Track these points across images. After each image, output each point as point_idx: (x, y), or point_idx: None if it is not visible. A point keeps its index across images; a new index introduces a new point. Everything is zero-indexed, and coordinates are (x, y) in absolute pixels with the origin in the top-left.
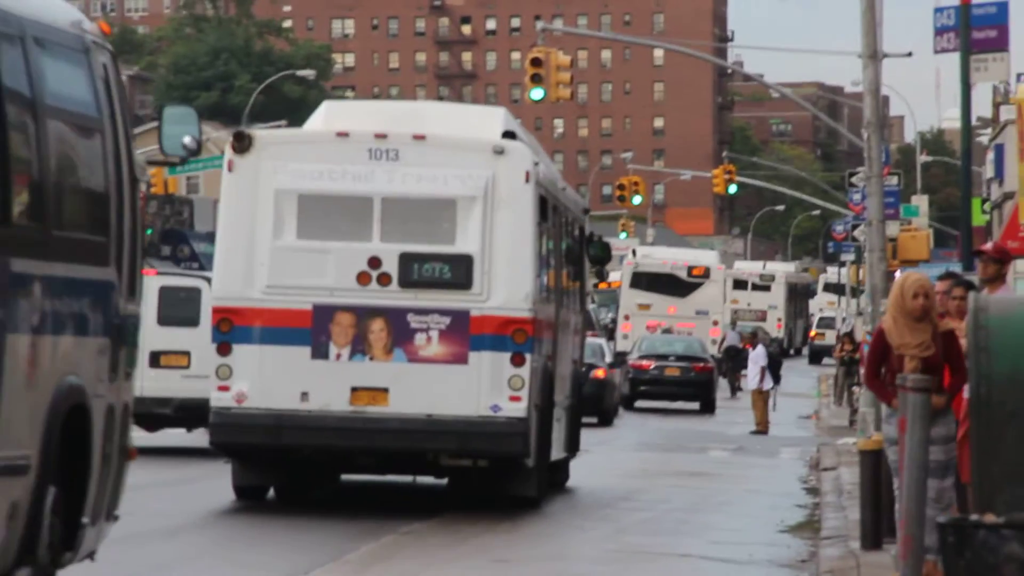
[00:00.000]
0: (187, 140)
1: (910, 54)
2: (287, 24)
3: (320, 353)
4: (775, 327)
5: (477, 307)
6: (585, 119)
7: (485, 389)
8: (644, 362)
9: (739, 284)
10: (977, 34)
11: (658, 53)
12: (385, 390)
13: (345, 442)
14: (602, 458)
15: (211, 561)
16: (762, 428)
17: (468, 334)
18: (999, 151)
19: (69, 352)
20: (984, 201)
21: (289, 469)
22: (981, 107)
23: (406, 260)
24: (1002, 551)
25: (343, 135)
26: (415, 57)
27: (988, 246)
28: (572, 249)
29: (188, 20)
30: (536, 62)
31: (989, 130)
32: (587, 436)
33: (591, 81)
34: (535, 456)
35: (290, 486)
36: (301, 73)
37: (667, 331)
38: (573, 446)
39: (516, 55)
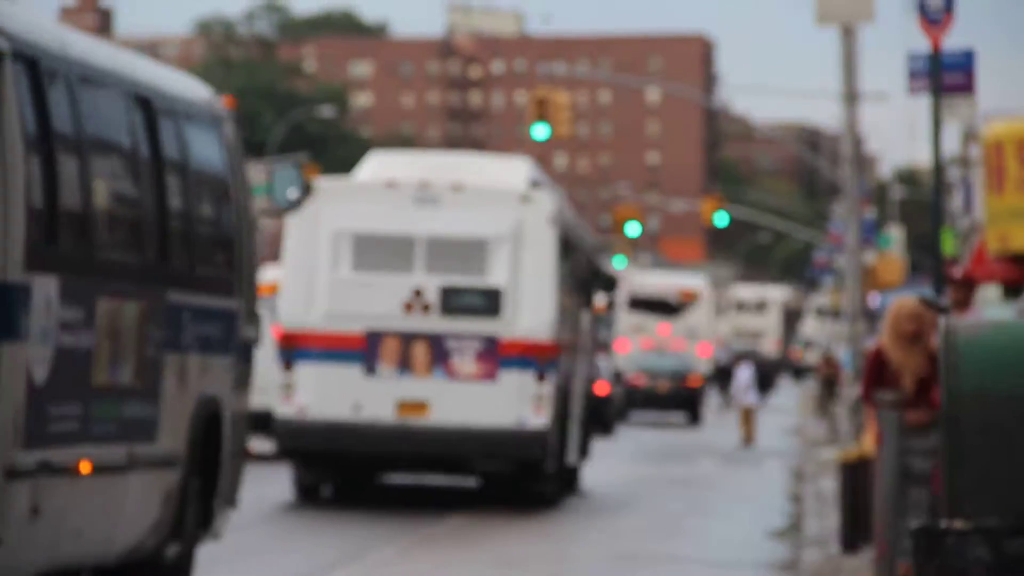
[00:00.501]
0: (292, 194)
1: (885, 97)
2: (308, 65)
3: (370, 371)
4: (774, 345)
5: (506, 332)
6: (585, 154)
7: (512, 403)
8: (638, 377)
9: (740, 306)
10: (947, 79)
11: (652, 94)
12: (426, 403)
13: (391, 448)
14: (602, 467)
15: (275, 546)
16: (748, 441)
17: (498, 356)
18: (967, 185)
19: (207, 368)
20: (954, 232)
21: (343, 471)
22: (951, 144)
23: (445, 291)
24: (970, 556)
25: (392, 184)
26: (426, 97)
27: (957, 273)
28: (586, 282)
29: (217, 63)
30: (540, 103)
31: (958, 166)
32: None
33: (590, 119)
34: (553, 461)
35: (344, 485)
36: (320, 112)
37: (660, 350)
38: (584, 453)
39: (520, 94)
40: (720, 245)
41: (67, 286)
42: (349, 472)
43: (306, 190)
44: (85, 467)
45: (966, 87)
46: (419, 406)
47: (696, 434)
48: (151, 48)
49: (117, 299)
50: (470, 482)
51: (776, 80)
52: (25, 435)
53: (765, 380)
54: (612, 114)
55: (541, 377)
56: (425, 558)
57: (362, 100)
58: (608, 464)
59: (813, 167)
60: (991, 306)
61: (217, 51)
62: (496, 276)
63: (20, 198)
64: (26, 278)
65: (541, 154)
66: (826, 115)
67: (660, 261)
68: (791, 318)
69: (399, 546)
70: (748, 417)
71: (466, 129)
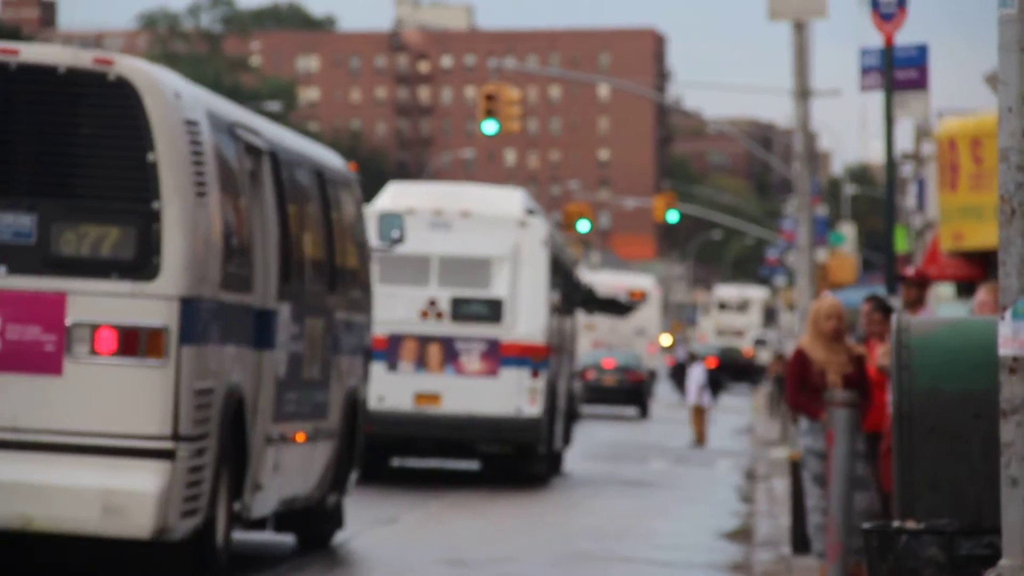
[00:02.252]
0: (395, 234)
1: (838, 93)
2: (255, 60)
3: (392, 367)
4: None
5: (506, 336)
6: (535, 151)
7: (511, 395)
8: (586, 373)
9: (722, 306)
10: (900, 74)
11: (603, 89)
12: (439, 395)
13: (409, 432)
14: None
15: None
16: (700, 441)
17: (499, 355)
18: (921, 183)
19: (351, 367)
20: (907, 230)
21: (369, 452)
22: (904, 140)
23: (455, 301)
24: (922, 555)
25: (411, 211)
26: (375, 92)
27: (910, 271)
28: (568, 294)
29: (162, 58)
30: (489, 97)
31: (911, 163)
32: None
33: (540, 115)
34: (544, 445)
35: (368, 465)
36: (267, 105)
37: (609, 348)
38: (567, 441)
39: (470, 90)
40: (671, 243)
41: (293, 311)
42: (373, 454)
43: (403, 234)
44: (300, 437)
45: (919, 83)
46: (433, 397)
47: (648, 433)
48: (95, 42)
49: (313, 318)
50: (473, 465)
51: (729, 76)
52: (273, 414)
53: (713, 381)
54: (563, 110)
55: (535, 373)
56: (448, 522)
57: (309, 95)
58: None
59: (765, 164)
60: (945, 304)
61: (162, 45)
62: (498, 289)
63: (275, 251)
64: (276, 306)
65: (491, 150)
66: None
67: (611, 259)
68: (771, 317)
69: (428, 511)
70: (699, 417)
71: (415, 125)
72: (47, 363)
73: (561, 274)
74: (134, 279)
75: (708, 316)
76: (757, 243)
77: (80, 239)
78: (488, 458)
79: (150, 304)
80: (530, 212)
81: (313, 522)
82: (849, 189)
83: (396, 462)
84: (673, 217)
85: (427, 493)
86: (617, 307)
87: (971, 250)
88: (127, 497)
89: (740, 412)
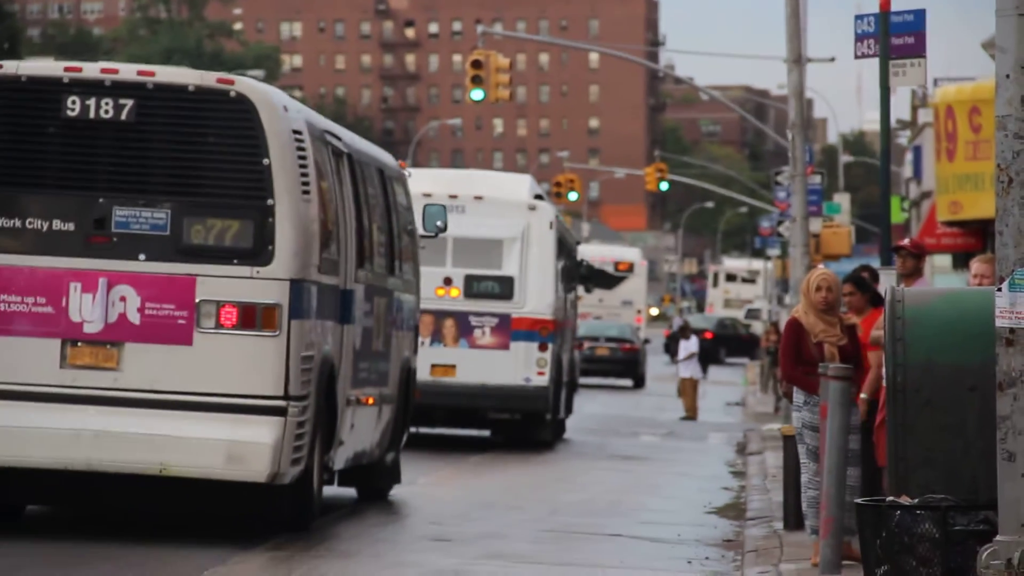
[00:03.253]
0: (439, 224)
1: (833, 59)
2: (237, 26)
3: None
4: (765, 314)
5: (516, 311)
6: (524, 119)
7: (521, 366)
8: (580, 344)
9: (730, 277)
10: (896, 40)
11: (593, 57)
12: (453, 366)
13: (427, 401)
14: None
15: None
16: (691, 415)
17: (510, 329)
18: (917, 152)
19: (405, 340)
20: (903, 200)
21: None
22: (900, 110)
23: (469, 279)
24: (916, 531)
25: (428, 195)
26: (360, 59)
27: (906, 242)
28: (571, 271)
29: (142, 22)
30: (476, 64)
31: (908, 132)
32: None
33: (529, 83)
34: (552, 413)
35: None
36: (250, 73)
37: (597, 318)
38: (569, 410)
39: (457, 57)
40: (663, 213)
41: (365, 291)
42: None
43: (445, 224)
44: (369, 400)
45: (916, 50)
46: (448, 368)
47: (639, 406)
48: (73, 7)
49: (379, 297)
50: (484, 434)
51: (721, 44)
52: (351, 380)
53: (704, 353)
54: (552, 77)
55: (543, 346)
56: (466, 482)
57: (293, 61)
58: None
59: (759, 132)
60: (941, 275)
61: (142, 10)
62: (509, 268)
63: (354, 239)
64: (353, 287)
65: (479, 118)
66: (773, 80)
67: (602, 230)
68: (785, 287)
69: (443, 473)
70: (690, 389)
71: (401, 92)
72: (180, 335)
73: (565, 253)
74: (252, 264)
75: (717, 288)
76: (750, 213)
77: (207, 231)
78: (498, 425)
79: (265, 285)
80: (538, 197)
81: (373, 477)
82: (844, 158)
83: (412, 429)
84: (664, 187)
85: (442, 458)
86: (605, 278)
87: (968, 220)
88: (247, 447)
89: (734, 385)
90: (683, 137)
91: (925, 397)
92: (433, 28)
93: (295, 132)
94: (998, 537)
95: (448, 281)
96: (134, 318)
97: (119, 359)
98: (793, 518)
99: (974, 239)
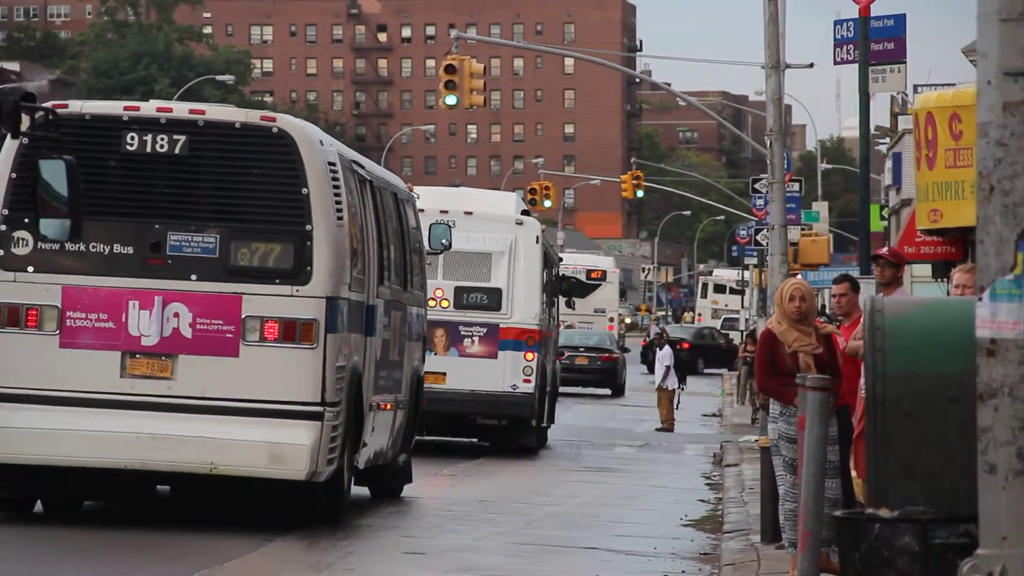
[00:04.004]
0: (444, 242)
1: (812, 65)
2: (207, 30)
3: None
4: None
5: (504, 321)
6: (498, 125)
7: (508, 374)
8: (560, 354)
9: (719, 288)
10: (875, 46)
11: (569, 62)
12: (444, 373)
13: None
14: (512, 451)
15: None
16: (667, 426)
17: (498, 339)
18: (897, 159)
19: (415, 350)
20: (882, 207)
21: None
22: (879, 116)
23: (459, 291)
24: (896, 544)
25: (420, 210)
26: (332, 64)
27: (884, 251)
28: (555, 284)
29: (110, 25)
30: (450, 69)
31: (887, 139)
32: None
33: (504, 88)
34: (536, 420)
35: None
36: (220, 78)
37: (569, 327)
38: (551, 418)
39: (431, 62)
40: (639, 221)
41: (385, 306)
42: None
43: (450, 242)
44: (387, 406)
45: (896, 55)
46: (439, 376)
47: (615, 417)
48: (39, 10)
49: (395, 311)
50: (472, 441)
51: (699, 50)
52: (373, 387)
53: (680, 363)
54: (527, 83)
55: (529, 355)
56: (439, 494)
57: (264, 66)
58: (516, 450)
59: (736, 139)
60: (921, 285)
61: (110, 13)
62: (497, 280)
63: (375, 259)
64: (375, 302)
65: (452, 124)
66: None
67: (577, 238)
68: (766, 298)
69: (415, 486)
70: (666, 400)
71: (374, 98)
72: (227, 347)
73: (549, 267)
74: (292, 283)
75: (706, 298)
76: (728, 221)
77: (251, 253)
78: (485, 431)
79: (304, 303)
80: (524, 213)
81: (387, 476)
82: (823, 165)
83: None
84: (640, 194)
85: (439, 462)
86: (580, 287)
87: (949, 228)
88: (288, 448)
89: (711, 396)
90: (660, 144)
91: (905, 408)
92: (406, 32)
93: (330, 164)
94: (979, 550)
95: (439, 292)
96: (186, 332)
97: (173, 369)
98: (770, 531)
99: (954, 248)
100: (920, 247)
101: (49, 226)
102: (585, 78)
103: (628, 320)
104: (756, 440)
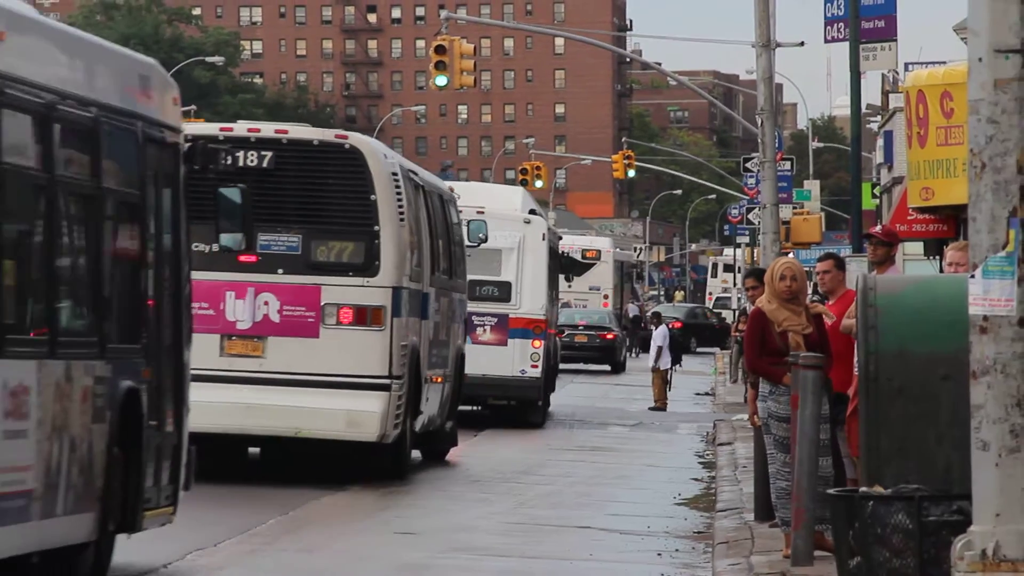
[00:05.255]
0: (481, 235)
1: (802, 43)
2: (196, 11)
3: None
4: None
5: (513, 312)
6: (488, 105)
7: (517, 360)
8: (560, 331)
9: (728, 268)
10: (866, 24)
11: (559, 42)
12: None
13: None
14: (507, 433)
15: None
16: (660, 405)
17: (508, 328)
18: (888, 137)
19: (459, 331)
20: (874, 186)
21: None
22: (871, 95)
23: (472, 284)
24: (889, 522)
25: None
26: (322, 44)
27: (877, 229)
28: (556, 269)
29: (98, 7)
30: (440, 50)
31: (878, 117)
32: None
33: (494, 68)
34: (542, 399)
35: None
36: (210, 59)
37: (565, 304)
38: (552, 388)
39: (421, 43)
40: (630, 200)
41: (436, 293)
42: None
43: (486, 236)
44: (438, 379)
45: (887, 33)
46: None
47: (604, 399)
48: None
49: (444, 297)
50: (484, 413)
51: (690, 28)
52: (427, 363)
53: (674, 343)
54: (517, 63)
55: (536, 342)
56: (432, 475)
57: (253, 47)
58: (512, 430)
59: (727, 118)
60: (913, 263)
61: None
62: (507, 274)
63: (428, 253)
64: (429, 290)
65: (443, 104)
66: (742, 66)
67: (569, 218)
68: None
69: (468, 443)
70: (659, 380)
71: (363, 79)
72: (309, 329)
73: (555, 260)
74: (363, 275)
75: (715, 278)
76: (719, 200)
77: (329, 250)
78: (495, 409)
79: (373, 292)
80: (532, 211)
81: (436, 440)
82: (814, 144)
83: None
84: (632, 174)
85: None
86: (576, 266)
87: (940, 206)
88: (362, 415)
89: (703, 375)
90: (651, 123)
91: (898, 386)
92: (396, 13)
93: (392, 174)
94: (972, 527)
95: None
96: (275, 318)
97: (264, 349)
98: (764, 509)
99: (946, 226)
100: (912, 225)
101: (227, 240)
102: (575, 58)
103: (633, 303)
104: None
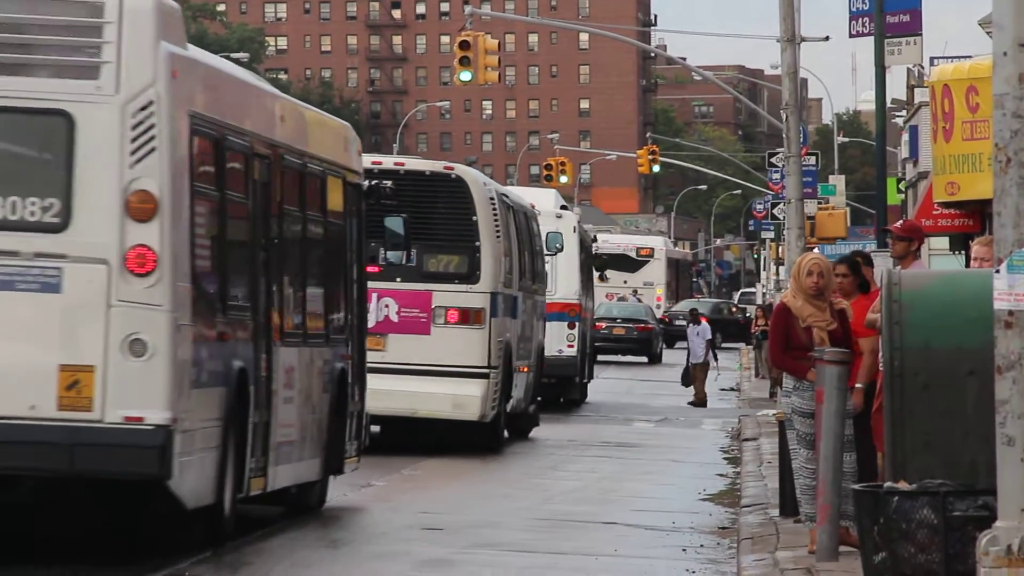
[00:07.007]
0: (558, 245)
1: (827, 38)
2: (220, 8)
3: None
4: None
5: (549, 298)
6: (513, 101)
7: (554, 341)
8: (598, 324)
9: (779, 262)
10: (891, 18)
11: (584, 37)
12: None
13: None
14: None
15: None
16: (699, 400)
17: (546, 312)
18: (913, 132)
19: (540, 326)
20: (899, 180)
21: None
22: (896, 89)
23: None
24: (914, 517)
25: None
26: (347, 40)
27: (897, 225)
28: (590, 265)
29: None
30: (464, 45)
31: (904, 112)
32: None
33: (519, 64)
34: (579, 376)
35: None
36: (235, 56)
37: (622, 299)
38: (591, 376)
39: (446, 39)
40: (655, 196)
41: (523, 296)
42: None
43: (563, 246)
44: (524, 369)
45: (912, 28)
46: None
47: (629, 395)
48: None
49: (528, 299)
50: None
51: (715, 23)
52: (516, 355)
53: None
54: (542, 58)
55: (572, 325)
56: (457, 471)
57: (278, 43)
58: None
59: (752, 113)
60: (938, 257)
61: None
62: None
63: (516, 262)
64: (517, 294)
65: (467, 100)
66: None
67: (593, 214)
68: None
69: (432, 462)
70: (700, 375)
71: (388, 74)
72: (422, 328)
73: (584, 251)
74: (467, 283)
75: (765, 271)
76: (744, 195)
77: (438, 262)
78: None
79: (475, 296)
80: (563, 207)
81: (521, 422)
82: (839, 138)
83: None
84: (656, 169)
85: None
86: (627, 262)
87: (966, 201)
88: (466, 399)
89: (729, 371)
90: (675, 118)
91: (923, 381)
92: (420, 9)
93: (490, 198)
94: (997, 523)
95: None
96: (394, 318)
97: (385, 344)
98: (789, 505)
99: (971, 220)
100: (937, 220)
101: (394, 256)
102: (600, 53)
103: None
104: (774, 414)
